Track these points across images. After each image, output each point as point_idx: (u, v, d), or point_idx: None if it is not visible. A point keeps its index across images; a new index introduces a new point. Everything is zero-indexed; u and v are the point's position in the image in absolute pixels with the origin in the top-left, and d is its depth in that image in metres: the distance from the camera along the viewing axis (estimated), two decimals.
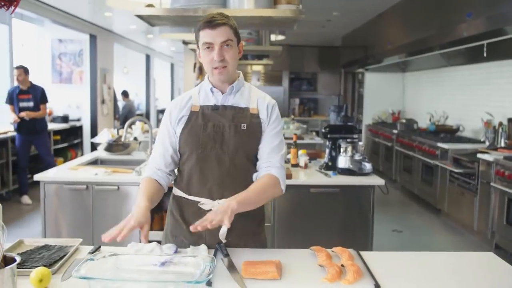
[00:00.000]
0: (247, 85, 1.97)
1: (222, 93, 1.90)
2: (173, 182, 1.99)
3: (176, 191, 1.95)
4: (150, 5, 3.08)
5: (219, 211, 1.64)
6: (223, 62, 1.80)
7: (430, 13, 6.36)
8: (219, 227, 1.81)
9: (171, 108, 1.93)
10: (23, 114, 6.27)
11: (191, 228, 1.61)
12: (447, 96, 7.39)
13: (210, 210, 1.81)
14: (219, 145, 1.83)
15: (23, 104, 6.33)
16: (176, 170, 1.98)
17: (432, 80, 7.99)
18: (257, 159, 1.92)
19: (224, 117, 1.86)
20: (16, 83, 6.47)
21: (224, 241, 1.83)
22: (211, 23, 1.77)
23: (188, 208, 1.91)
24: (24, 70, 6.32)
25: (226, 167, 1.83)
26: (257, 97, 1.93)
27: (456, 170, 5.43)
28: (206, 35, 1.79)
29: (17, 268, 1.28)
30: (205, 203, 1.85)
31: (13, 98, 6.34)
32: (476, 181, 5.05)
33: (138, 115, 12.00)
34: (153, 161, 1.94)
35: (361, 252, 1.81)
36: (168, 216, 2.01)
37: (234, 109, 1.88)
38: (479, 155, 5.00)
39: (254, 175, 1.92)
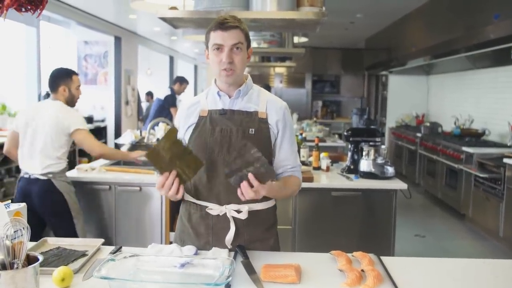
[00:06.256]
0: (255, 88, 1.94)
1: (229, 97, 1.88)
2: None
3: (186, 196, 1.95)
4: (173, 8, 3.10)
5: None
6: (231, 65, 1.79)
7: (455, 15, 6.26)
8: (226, 232, 1.83)
9: (179, 116, 1.96)
10: None
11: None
12: (472, 99, 7.26)
13: (218, 215, 1.84)
14: (226, 150, 1.82)
15: None
16: None
17: (457, 83, 7.85)
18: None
19: (232, 121, 1.85)
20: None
21: (229, 247, 1.83)
22: (223, 24, 1.76)
23: (195, 213, 1.91)
24: None
25: None
26: (266, 100, 1.91)
27: (481, 175, 5.33)
28: (217, 36, 1.78)
29: (40, 267, 1.30)
30: (213, 208, 1.85)
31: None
32: (502, 186, 4.95)
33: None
34: None
35: (382, 257, 1.78)
36: (178, 221, 2.02)
37: (242, 113, 1.86)
38: (505, 160, 4.90)
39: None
